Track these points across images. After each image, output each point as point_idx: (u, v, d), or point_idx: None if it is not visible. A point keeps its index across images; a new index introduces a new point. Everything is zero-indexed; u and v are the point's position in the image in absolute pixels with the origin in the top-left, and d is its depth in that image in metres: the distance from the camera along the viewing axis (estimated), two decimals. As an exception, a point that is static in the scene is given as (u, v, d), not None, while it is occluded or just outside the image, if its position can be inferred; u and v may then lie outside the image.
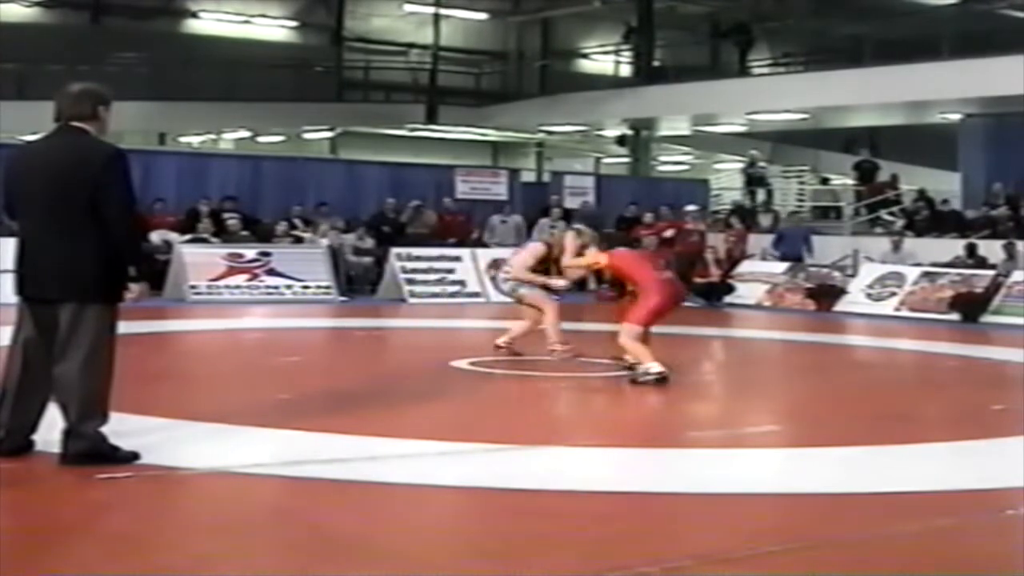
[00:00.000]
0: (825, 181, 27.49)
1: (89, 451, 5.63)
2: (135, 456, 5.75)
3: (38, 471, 5.66)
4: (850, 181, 24.87)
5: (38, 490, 5.44)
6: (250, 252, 17.27)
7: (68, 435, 5.64)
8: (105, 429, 5.68)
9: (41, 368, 5.70)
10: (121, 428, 5.89)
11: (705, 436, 7.42)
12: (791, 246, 20.01)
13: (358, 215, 20.08)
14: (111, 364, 5.73)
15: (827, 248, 20.18)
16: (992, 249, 18.09)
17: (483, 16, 31.92)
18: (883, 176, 23.96)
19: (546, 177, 26.40)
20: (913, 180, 24.74)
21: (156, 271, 17.09)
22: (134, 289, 5.80)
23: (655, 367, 8.81)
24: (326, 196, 20.16)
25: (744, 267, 19.50)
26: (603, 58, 32.11)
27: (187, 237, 17.69)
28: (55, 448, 5.67)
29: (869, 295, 17.69)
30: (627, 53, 29.01)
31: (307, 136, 31.30)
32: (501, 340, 10.56)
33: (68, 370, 5.62)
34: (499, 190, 22.24)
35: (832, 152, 29.48)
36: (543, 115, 27.76)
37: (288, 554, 4.58)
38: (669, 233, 20.14)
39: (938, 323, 16.07)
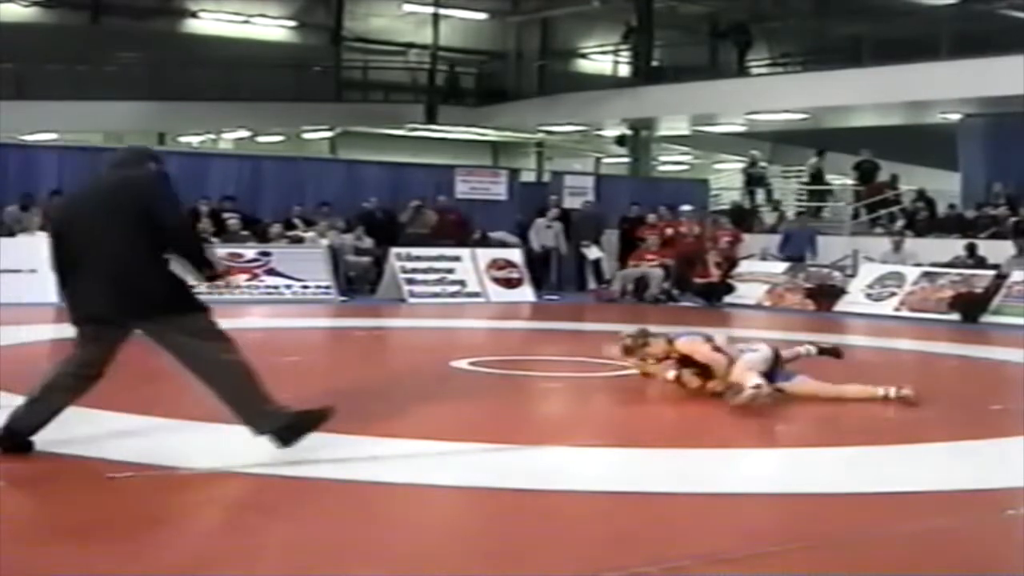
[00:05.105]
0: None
1: (287, 442, 5.80)
2: (326, 413, 5.93)
3: (39, 471, 5.66)
4: (849, 181, 24.92)
5: (38, 490, 5.45)
6: (250, 252, 17.27)
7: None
8: (106, 429, 5.68)
9: (73, 388, 5.76)
10: (122, 428, 5.90)
11: (705, 436, 7.42)
12: (796, 247, 20.04)
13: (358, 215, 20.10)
14: (233, 365, 5.76)
15: (827, 248, 20.19)
16: (993, 249, 18.08)
17: (482, 16, 31.92)
18: (883, 176, 23.97)
19: (546, 177, 26.41)
20: (913, 180, 24.76)
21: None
22: (221, 283, 5.89)
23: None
24: (326, 196, 20.16)
25: (744, 267, 19.51)
26: (602, 58, 32.11)
27: (186, 237, 17.66)
28: (55, 448, 5.67)
29: (869, 295, 17.69)
30: (626, 53, 29.01)
31: (306, 136, 31.31)
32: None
33: (211, 391, 5.77)
34: (499, 190, 22.25)
35: (832, 152, 29.48)
36: (542, 115, 27.76)
37: (288, 554, 4.58)
38: (669, 232, 20.22)
39: (938, 323, 16.07)
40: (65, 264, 5.77)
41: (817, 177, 24.93)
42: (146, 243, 5.59)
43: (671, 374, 8.48)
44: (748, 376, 7.88)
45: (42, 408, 5.77)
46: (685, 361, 8.37)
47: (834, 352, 8.94)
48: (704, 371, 8.28)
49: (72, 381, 5.78)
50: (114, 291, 5.60)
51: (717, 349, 8.34)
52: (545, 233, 20.82)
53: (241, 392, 5.78)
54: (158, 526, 4.93)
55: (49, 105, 24.37)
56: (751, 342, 8.72)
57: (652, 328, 9.22)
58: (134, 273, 5.59)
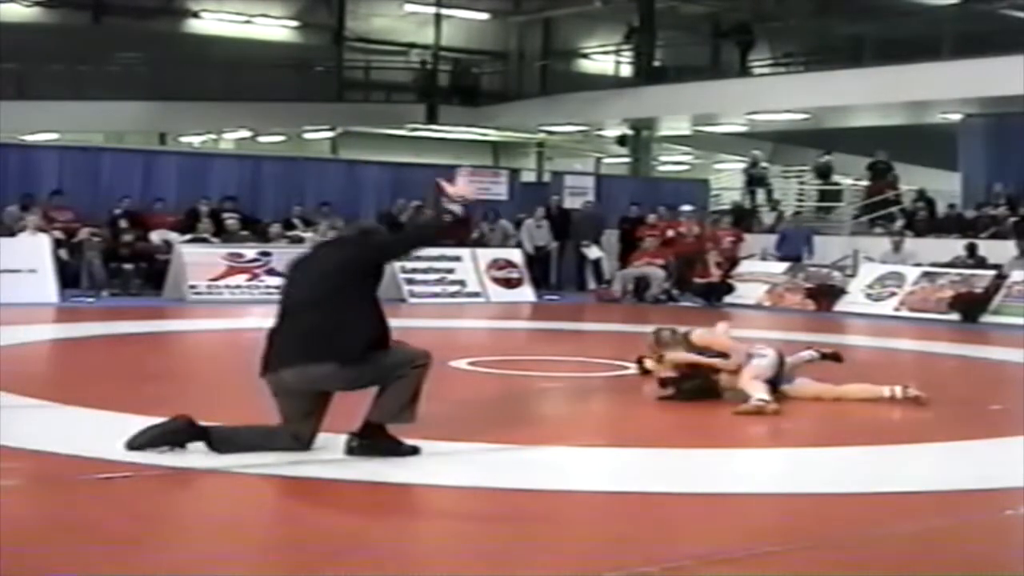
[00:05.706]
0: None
1: (355, 450, 5.93)
2: (409, 451, 6.00)
3: (39, 471, 5.67)
4: (849, 181, 24.91)
5: (38, 490, 5.45)
6: (250, 252, 17.25)
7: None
8: (106, 429, 5.69)
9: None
10: (122, 428, 5.89)
11: (705, 436, 7.42)
12: (793, 247, 20.04)
13: (359, 215, 20.08)
14: (408, 377, 6.14)
15: (827, 248, 20.19)
16: (993, 249, 18.08)
17: (484, 16, 31.93)
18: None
19: (546, 177, 26.40)
20: (913, 180, 24.76)
21: (156, 271, 17.15)
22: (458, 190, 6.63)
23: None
24: (326, 196, 20.16)
25: (744, 267, 19.51)
26: (604, 58, 32.09)
27: (187, 237, 17.70)
28: (55, 448, 5.67)
29: (869, 295, 17.69)
30: (628, 53, 29.02)
31: (308, 136, 31.32)
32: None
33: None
34: (499, 190, 22.24)
35: (834, 152, 29.52)
36: (544, 115, 27.76)
37: (288, 554, 4.58)
38: (670, 233, 20.23)
39: (938, 323, 16.07)
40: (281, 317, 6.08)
41: (824, 176, 24.88)
42: (356, 296, 6.32)
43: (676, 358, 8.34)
44: (754, 386, 7.88)
45: (245, 441, 5.94)
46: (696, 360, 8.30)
47: (835, 357, 8.94)
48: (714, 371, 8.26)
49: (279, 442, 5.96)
50: (313, 337, 5.95)
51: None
52: (538, 233, 20.85)
53: (397, 395, 6.04)
54: (158, 526, 4.93)
55: (50, 105, 24.37)
56: (756, 344, 8.70)
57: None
58: (340, 321, 6.16)
